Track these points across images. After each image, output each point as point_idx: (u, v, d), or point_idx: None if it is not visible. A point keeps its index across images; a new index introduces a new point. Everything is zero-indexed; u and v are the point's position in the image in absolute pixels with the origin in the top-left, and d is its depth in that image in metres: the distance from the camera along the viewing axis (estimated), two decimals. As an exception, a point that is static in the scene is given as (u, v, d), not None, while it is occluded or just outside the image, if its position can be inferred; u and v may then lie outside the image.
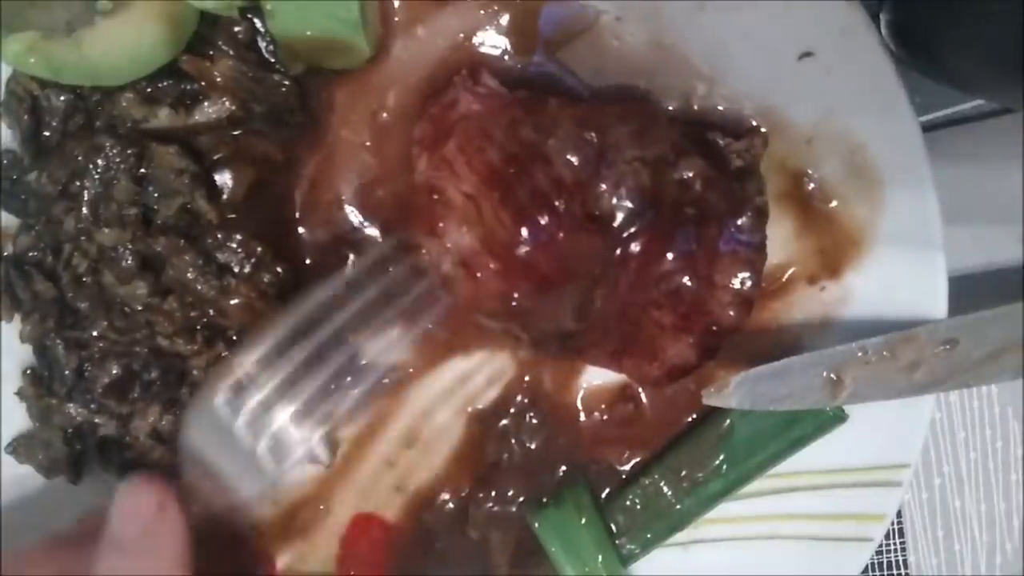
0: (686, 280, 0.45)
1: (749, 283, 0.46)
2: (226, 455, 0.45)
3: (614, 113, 0.45)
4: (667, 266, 0.45)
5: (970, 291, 0.51)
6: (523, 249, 0.44)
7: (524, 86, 0.47)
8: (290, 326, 0.45)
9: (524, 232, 0.44)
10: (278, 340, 0.45)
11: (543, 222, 0.44)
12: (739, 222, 0.46)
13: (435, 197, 0.46)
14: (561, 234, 0.44)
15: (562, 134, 0.44)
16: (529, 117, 0.45)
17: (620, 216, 0.44)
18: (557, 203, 0.44)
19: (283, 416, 0.45)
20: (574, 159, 0.44)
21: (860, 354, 0.47)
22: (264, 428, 0.45)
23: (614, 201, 0.44)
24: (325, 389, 0.45)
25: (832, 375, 0.48)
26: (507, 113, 0.45)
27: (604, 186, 0.44)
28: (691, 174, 0.45)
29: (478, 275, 0.46)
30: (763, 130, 0.48)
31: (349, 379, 0.46)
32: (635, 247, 0.45)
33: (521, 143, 0.45)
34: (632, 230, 0.44)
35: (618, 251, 0.45)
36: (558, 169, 0.44)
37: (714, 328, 0.47)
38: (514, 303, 0.46)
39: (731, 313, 0.46)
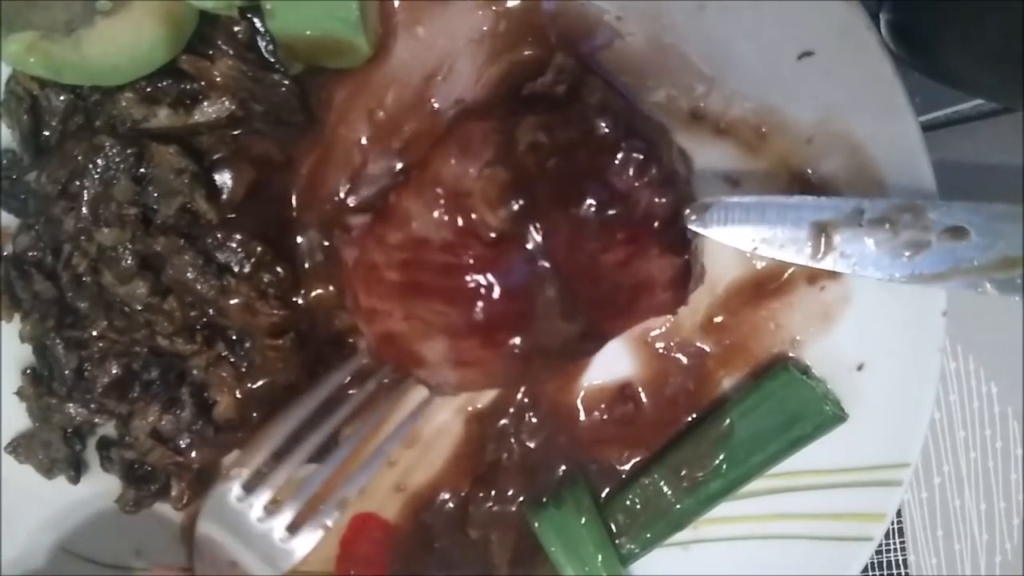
0: (606, 213, 0.45)
1: (653, 167, 0.45)
2: (241, 546, 0.48)
3: (437, 160, 0.46)
4: (583, 216, 0.45)
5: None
6: (478, 314, 0.45)
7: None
8: (294, 425, 0.49)
9: (464, 301, 0.45)
10: (285, 438, 0.49)
11: (468, 282, 0.45)
12: (602, 124, 0.45)
13: (391, 338, 0.48)
14: (488, 275, 0.45)
15: (416, 215, 0.45)
16: (388, 225, 0.46)
17: (511, 218, 0.44)
18: (461, 260, 0.45)
19: (293, 508, 0.49)
20: (439, 222, 0.45)
21: (853, 211, 0.44)
22: (277, 519, 0.49)
23: (498, 214, 0.44)
24: (330, 479, 0.49)
25: (820, 228, 0.44)
26: (375, 236, 0.47)
27: (477, 212, 0.44)
28: (531, 135, 0.45)
29: (477, 365, 0.47)
30: (552, 41, 0.48)
31: (354, 469, 0.50)
32: (548, 227, 0.45)
33: (400, 248, 0.46)
34: (532, 218, 0.45)
35: (542, 241, 0.45)
36: (438, 238, 0.45)
37: (658, 224, 0.46)
38: (517, 351, 0.46)
39: (660, 200, 0.45)
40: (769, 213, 0.45)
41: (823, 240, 0.44)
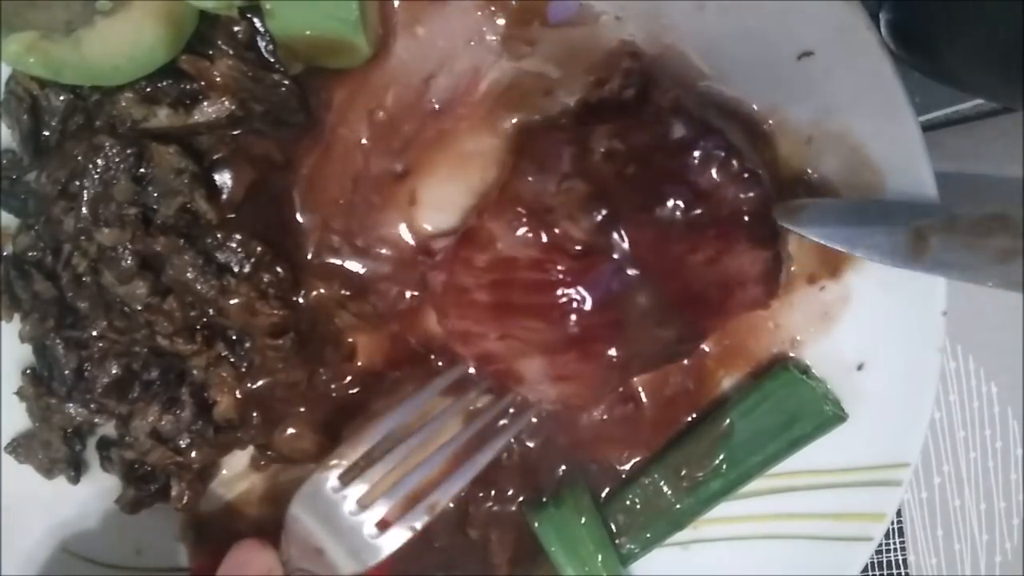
0: (691, 213, 0.45)
1: (734, 162, 0.44)
2: (330, 536, 0.49)
3: (515, 178, 0.46)
4: (668, 218, 0.44)
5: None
6: (572, 329, 0.45)
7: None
8: (396, 425, 0.49)
9: (557, 317, 0.45)
10: (385, 437, 0.49)
11: (559, 297, 0.45)
12: (677, 125, 0.45)
13: (488, 358, 0.48)
14: (579, 288, 0.45)
15: (500, 236, 0.45)
16: (473, 247, 0.46)
17: (595, 229, 0.44)
18: (550, 276, 0.45)
19: (385, 506, 0.49)
20: (524, 240, 0.45)
21: (949, 216, 0.42)
22: (368, 514, 0.49)
23: (582, 226, 0.44)
24: (423, 485, 0.50)
25: (918, 233, 0.43)
26: (461, 259, 0.47)
27: (560, 227, 0.44)
28: (606, 143, 0.45)
29: (575, 378, 0.47)
30: (624, 39, 0.48)
31: (448, 478, 0.50)
32: (634, 233, 0.45)
33: (488, 269, 0.46)
34: (617, 227, 0.44)
35: (629, 248, 0.45)
36: (525, 256, 0.45)
37: (747, 218, 0.45)
38: (614, 361, 0.46)
39: (748, 195, 0.45)
40: (867, 215, 0.45)
41: (920, 244, 0.43)
